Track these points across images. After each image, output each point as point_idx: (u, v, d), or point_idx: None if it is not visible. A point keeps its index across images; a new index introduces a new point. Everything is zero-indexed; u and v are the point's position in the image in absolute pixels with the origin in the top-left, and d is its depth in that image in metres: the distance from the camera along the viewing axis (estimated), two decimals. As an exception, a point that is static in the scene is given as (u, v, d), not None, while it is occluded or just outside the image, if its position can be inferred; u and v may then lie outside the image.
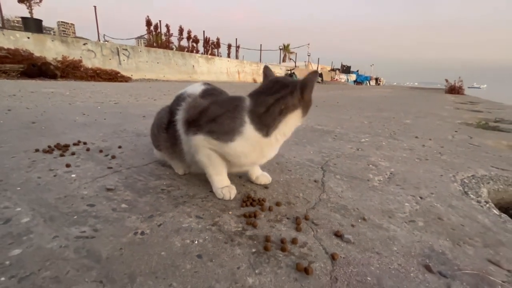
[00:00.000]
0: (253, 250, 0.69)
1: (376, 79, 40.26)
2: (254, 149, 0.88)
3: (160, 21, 13.81)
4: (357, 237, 0.78)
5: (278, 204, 0.93)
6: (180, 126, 0.97)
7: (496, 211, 1.03)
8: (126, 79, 9.04)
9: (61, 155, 1.27)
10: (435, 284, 0.62)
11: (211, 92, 1.03)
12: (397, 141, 2.10)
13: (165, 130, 1.04)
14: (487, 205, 1.07)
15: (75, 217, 0.77)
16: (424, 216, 0.93)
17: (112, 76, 8.88)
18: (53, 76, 7.93)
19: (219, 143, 0.87)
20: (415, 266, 0.68)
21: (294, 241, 0.73)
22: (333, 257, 0.68)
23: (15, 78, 6.75)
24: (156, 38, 14.24)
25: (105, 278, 0.56)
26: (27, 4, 9.20)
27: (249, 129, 0.85)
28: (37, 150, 1.30)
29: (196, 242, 0.70)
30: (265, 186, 1.08)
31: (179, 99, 1.04)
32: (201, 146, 0.91)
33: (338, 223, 0.85)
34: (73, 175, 1.05)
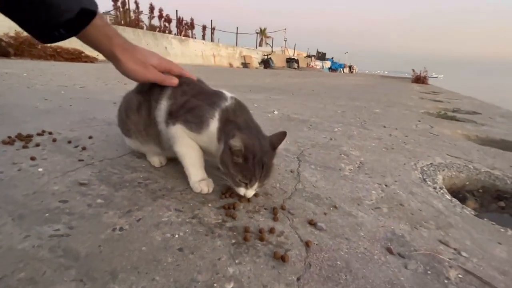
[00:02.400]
0: (233, 241, 0.72)
1: (350, 67, 41.37)
2: (213, 148, 0.93)
3: (128, -4, 12.77)
4: (329, 225, 0.84)
5: (256, 195, 0.97)
6: (161, 119, 0.98)
7: (448, 196, 1.16)
8: (91, 60, 8.37)
9: (24, 147, 1.18)
10: (394, 264, 0.70)
11: (185, 80, 1.02)
12: (367, 130, 2.23)
13: (136, 112, 1.02)
14: (441, 191, 1.20)
15: (47, 214, 0.74)
16: (388, 203, 1.03)
17: (75, 56, 8.18)
18: (5, 54, 7.11)
19: (191, 133, 0.92)
20: (379, 249, 0.76)
21: (271, 230, 0.77)
22: (307, 244, 0.73)
23: (-42, 55, 5.96)
24: (124, 15, 13.19)
25: (85, 276, 0.56)
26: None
27: (213, 125, 0.90)
28: (-5, 141, 1.20)
29: (176, 235, 0.71)
30: (244, 177, 1.10)
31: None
32: (180, 135, 0.93)
33: (312, 212, 0.91)
34: (40, 169, 0.99)
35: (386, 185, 1.18)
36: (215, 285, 0.58)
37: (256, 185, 0.87)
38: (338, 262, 0.69)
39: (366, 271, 0.67)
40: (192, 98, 0.96)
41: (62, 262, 0.59)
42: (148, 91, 1.02)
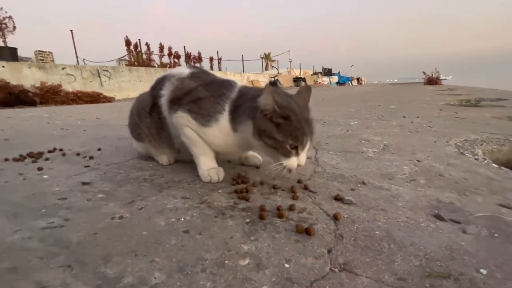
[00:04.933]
0: (247, 220, 0.62)
1: (358, 79, 41.26)
2: (226, 141, 0.83)
3: (139, 39, 13.80)
4: (358, 199, 0.72)
5: (272, 179, 0.87)
6: (164, 106, 0.92)
7: (495, 165, 1.00)
8: (109, 100, 8.84)
9: (34, 162, 1.16)
10: (449, 230, 0.56)
11: (199, 74, 0.97)
12: (386, 121, 2.09)
13: (149, 115, 0.97)
14: (486, 161, 1.04)
15: (43, 210, 0.68)
16: (424, 175, 0.89)
17: (94, 98, 8.67)
18: (32, 103, 7.66)
19: (196, 123, 0.83)
20: (424, 216, 0.62)
21: (291, 207, 0.66)
22: (335, 217, 0.61)
23: (-9, 108, 6.49)
24: (137, 57, 14.17)
25: (74, 262, 0.47)
26: (0, 33, 9.00)
27: (224, 118, 0.81)
28: (6, 160, 1.19)
29: (182, 219, 0.62)
30: (256, 167, 1.01)
31: (163, 80, 0.98)
32: (183, 124, 0.86)
33: (336, 189, 0.79)
34: (45, 176, 0.95)
35: (418, 161, 1.04)
36: (226, 262, 0.47)
37: (308, 145, 0.74)
38: (377, 232, 0.56)
39: (415, 239, 0.53)
40: (199, 87, 0.88)
41: (51, 250, 0.51)
42: (156, 93, 0.97)
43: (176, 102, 0.88)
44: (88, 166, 1.06)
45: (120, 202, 0.72)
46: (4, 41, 9.16)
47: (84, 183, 0.86)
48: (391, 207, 0.67)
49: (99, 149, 1.36)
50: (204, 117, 0.82)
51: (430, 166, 0.97)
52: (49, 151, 1.35)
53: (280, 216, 0.62)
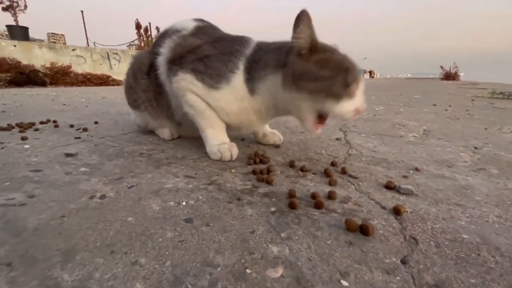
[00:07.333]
0: (273, 209, 0.45)
1: (370, 72, 40.03)
2: (240, 107, 0.67)
3: (149, 23, 13.56)
4: (418, 188, 0.54)
5: (298, 160, 0.69)
6: (162, 68, 0.75)
7: None
8: (118, 83, 8.76)
9: (21, 131, 1.02)
10: None
11: (206, 30, 0.79)
12: (416, 108, 1.87)
13: (146, 75, 0.81)
14: (562, 152, 0.84)
15: (7, 183, 0.53)
16: (493, 164, 0.70)
17: (103, 80, 8.60)
18: (42, 84, 7.64)
19: (203, 86, 0.67)
20: (524, 216, 0.44)
21: (331, 195, 0.49)
22: (397, 211, 0.44)
23: (3, 87, 6.47)
24: (147, 41, 14.01)
25: (20, 258, 0.32)
26: (12, 11, 8.92)
27: (238, 78, 0.65)
28: (-9, 129, 1.06)
29: (184, 203, 0.46)
30: (276, 146, 0.84)
31: (164, 35, 0.81)
32: (185, 90, 0.69)
33: (383, 175, 0.61)
34: (26, 146, 0.81)
35: (476, 148, 0.85)
36: (248, 271, 0.30)
37: (363, 83, 0.60)
38: (465, 236, 0.38)
39: (529, 249, 0.36)
40: (205, 45, 0.72)
41: (-7, 237, 0.35)
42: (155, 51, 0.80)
43: (177, 61, 0.70)
44: (79, 137, 0.91)
45: (106, 178, 0.56)
46: (16, 20, 9.09)
47: (68, 155, 0.70)
48: (468, 201, 0.49)
49: (96, 122, 1.21)
50: (213, 77, 0.66)
51: (494, 154, 0.78)
52: (41, 122, 1.21)
53: (318, 205, 0.45)
